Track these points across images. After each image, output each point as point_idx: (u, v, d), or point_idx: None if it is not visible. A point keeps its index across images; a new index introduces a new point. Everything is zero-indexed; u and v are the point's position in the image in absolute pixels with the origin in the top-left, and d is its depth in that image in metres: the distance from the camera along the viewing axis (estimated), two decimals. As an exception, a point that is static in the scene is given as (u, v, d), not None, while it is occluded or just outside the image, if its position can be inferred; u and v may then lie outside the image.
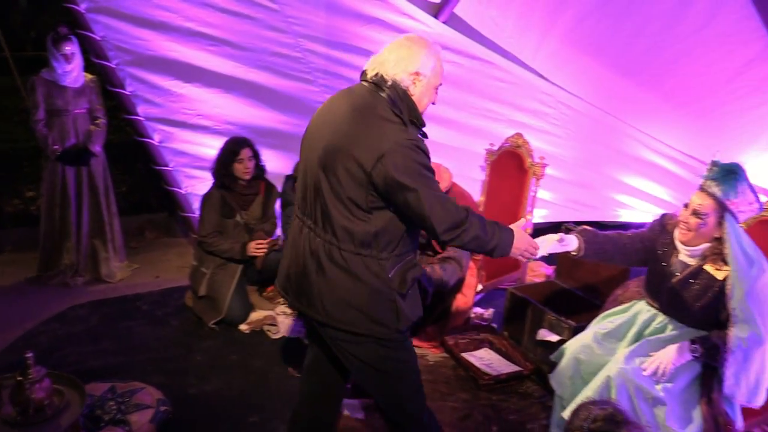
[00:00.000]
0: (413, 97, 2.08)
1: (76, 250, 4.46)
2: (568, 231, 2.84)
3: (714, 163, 2.44)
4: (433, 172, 2.03)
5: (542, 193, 5.16)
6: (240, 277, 3.96)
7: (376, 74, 2.07)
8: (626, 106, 4.78)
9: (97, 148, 4.36)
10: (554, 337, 3.33)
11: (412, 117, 2.06)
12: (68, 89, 4.26)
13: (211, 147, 4.60)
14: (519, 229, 2.23)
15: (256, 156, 4.02)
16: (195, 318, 3.99)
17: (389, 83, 2.05)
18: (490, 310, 4.22)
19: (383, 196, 2.00)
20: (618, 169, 5.21)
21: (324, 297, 2.11)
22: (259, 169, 4.08)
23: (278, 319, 3.99)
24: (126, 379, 3.17)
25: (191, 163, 4.66)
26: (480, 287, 3.80)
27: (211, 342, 3.76)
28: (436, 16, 4.42)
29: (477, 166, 4.46)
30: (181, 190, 4.73)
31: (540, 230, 5.03)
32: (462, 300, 3.74)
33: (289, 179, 4.04)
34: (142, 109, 4.45)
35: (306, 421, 2.54)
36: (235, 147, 3.93)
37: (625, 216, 5.48)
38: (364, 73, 2.14)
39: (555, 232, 2.65)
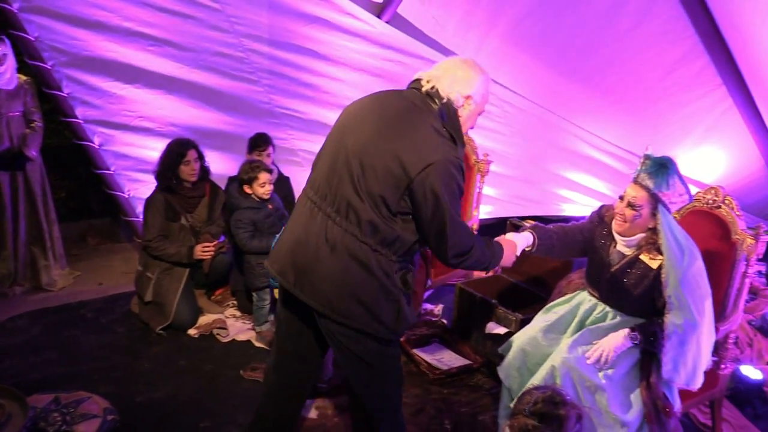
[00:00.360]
0: (460, 119, 2.14)
1: (14, 259, 4.29)
2: (516, 227, 2.93)
3: (647, 157, 2.55)
4: (462, 195, 2.13)
5: (487, 190, 5.27)
6: (187, 281, 3.89)
7: (432, 87, 2.11)
8: (566, 103, 4.92)
9: (32, 152, 4.19)
10: (502, 330, 3.41)
11: (456, 137, 2.11)
12: (1, 91, 4.10)
13: (154, 149, 4.52)
14: (506, 241, 2.51)
15: (201, 158, 3.96)
16: (142, 324, 3.91)
17: (444, 100, 2.10)
18: (440, 306, 4.28)
19: (415, 205, 2.03)
20: (560, 165, 5.36)
21: (332, 287, 2.10)
22: (204, 171, 4.02)
23: (227, 322, 3.96)
24: (71, 390, 3.07)
25: (134, 166, 4.57)
26: (429, 283, 3.84)
27: (159, 348, 3.69)
28: (379, 15, 4.46)
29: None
30: (123, 194, 4.63)
31: (486, 227, 5.15)
32: (413, 296, 3.76)
33: (234, 181, 3.99)
34: (80, 112, 4.34)
35: (270, 420, 2.52)
36: (181, 149, 3.86)
37: (568, 210, 5.64)
38: (417, 81, 2.17)
39: (501, 227, 2.75)
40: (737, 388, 3.42)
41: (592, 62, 4.50)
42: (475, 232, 4.14)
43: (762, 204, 5.70)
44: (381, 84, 4.68)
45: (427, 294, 4.52)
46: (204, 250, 3.86)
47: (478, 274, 4.41)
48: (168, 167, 3.85)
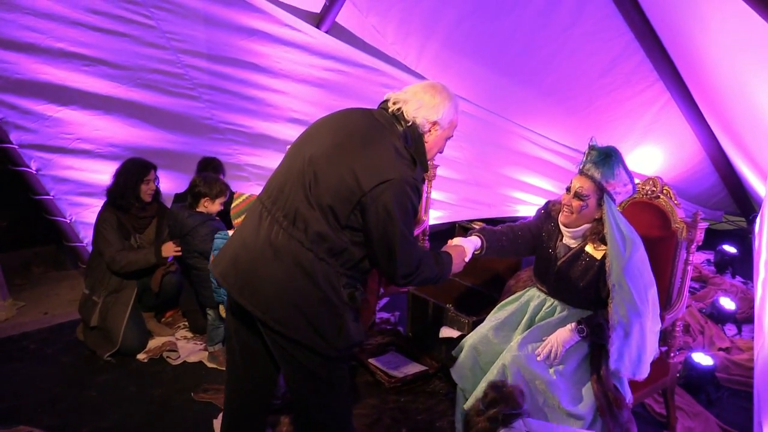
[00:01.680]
0: (426, 144, 2.14)
1: (-49, 293, 4.13)
2: (464, 230, 2.92)
3: (592, 147, 2.57)
4: (416, 216, 2.11)
5: (438, 195, 5.28)
6: (134, 304, 3.78)
7: (399, 109, 2.11)
8: (511, 105, 4.97)
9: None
10: (455, 333, 3.38)
11: (420, 160, 2.10)
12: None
13: (94, 172, 4.41)
14: (453, 247, 2.52)
15: (157, 178, 3.92)
16: (88, 352, 3.77)
17: (409, 123, 2.10)
18: (396, 314, 4.25)
19: (366, 221, 2.00)
20: (509, 167, 5.40)
21: (273, 293, 2.04)
22: (157, 192, 3.95)
23: (178, 344, 3.85)
24: (12, 425, 2.96)
25: (74, 189, 4.43)
26: (381, 291, 3.81)
27: (107, 376, 3.56)
28: (318, 25, 4.43)
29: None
30: (65, 219, 4.48)
31: (438, 232, 5.15)
32: (365, 306, 3.71)
33: (181, 199, 3.91)
34: (15, 136, 4.19)
35: None
36: (144, 168, 3.81)
37: (522, 211, 5.68)
38: (385, 102, 2.17)
39: (451, 231, 2.74)
40: (690, 376, 3.46)
41: (533, 63, 4.56)
42: (426, 237, 4.15)
43: (707, 194, 5.84)
44: (324, 94, 4.65)
45: (382, 302, 4.49)
46: (176, 249, 3.77)
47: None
48: (128, 186, 3.77)
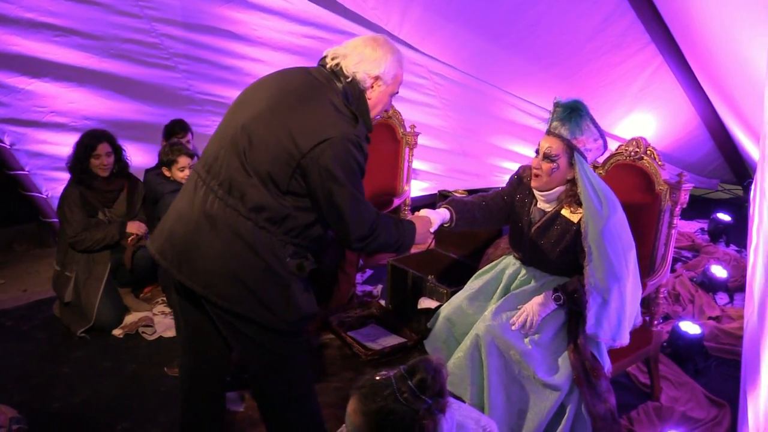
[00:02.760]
0: (369, 101, 2.02)
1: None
2: (444, 197, 2.80)
3: (557, 104, 2.46)
4: (364, 175, 1.98)
5: (423, 165, 5.16)
6: (108, 279, 3.70)
7: (337, 65, 1.99)
8: (498, 71, 4.83)
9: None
10: (434, 304, 3.30)
11: (363, 118, 1.98)
12: None
13: (69, 146, 4.24)
14: (418, 218, 2.39)
15: (117, 151, 3.76)
16: (64, 328, 3.70)
17: (349, 78, 1.98)
18: (379, 287, 4.17)
19: (308, 184, 1.89)
20: (496, 135, 5.27)
21: (212, 267, 1.94)
22: (122, 165, 3.81)
23: (155, 319, 3.77)
24: (-19, 402, 2.89)
25: (49, 164, 4.34)
26: (361, 263, 3.71)
27: (81, 352, 3.49)
28: (295, -10, 4.29)
29: (354, 143, 4.37)
30: (42, 195, 4.40)
31: (425, 204, 5.03)
32: (344, 278, 3.64)
33: (150, 171, 3.82)
34: (-14, 111, 4.10)
35: (192, 425, 2.37)
36: (92, 141, 3.66)
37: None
38: (323, 58, 2.04)
39: (432, 201, 2.61)
40: (677, 345, 3.37)
41: (519, 26, 4.40)
42: (408, 208, 4.04)
43: (703, 162, 5.71)
44: (304, 63, 4.46)
45: (366, 275, 4.41)
46: (140, 227, 3.71)
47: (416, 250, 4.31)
48: (78, 160, 3.66)
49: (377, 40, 2.05)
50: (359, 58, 1.98)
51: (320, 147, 1.85)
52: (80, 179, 3.69)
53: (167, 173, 3.69)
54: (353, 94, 1.99)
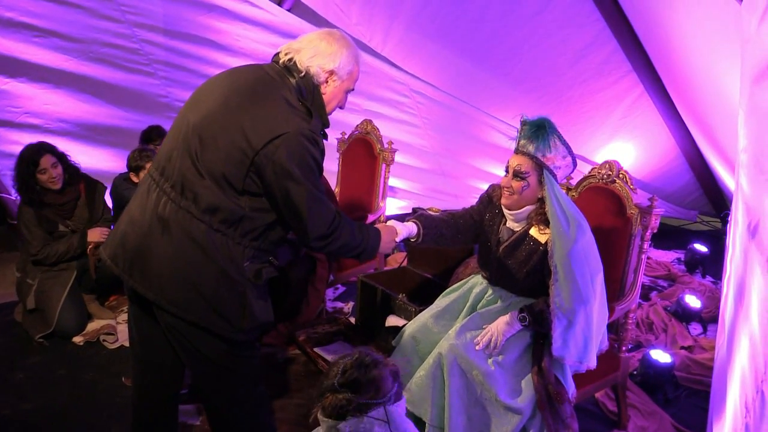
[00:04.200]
0: (324, 96, 1.96)
1: None
2: (414, 212, 2.75)
3: (524, 122, 2.44)
4: (322, 172, 1.92)
5: (403, 183, 5.13)
6: (73, 285, 3.61)
7: (290, 59, 1.92)
8: (479, 93, 4.83)
9: None
10: (401, 322, 3.23)
11: (319, 113, 1.93)
12: None
13: (42, 147, 4.23)
14: (384, 226, 2.31)
15: (62, 159, 3.57)
16: (24, 334, 3.60)
17: (302, 73, 1.91)
18: (350, 304, 4.11)
19: (264, 183, 1.83)
20: (476, 156, 5.25)
21: (164, 272, 1.86)
22: (71, 172, 3.63)
23: (118, 327, 3.68)
24: (-73, 407, 2.79)
25: (21, 166, 4.25)
26: (331, 278, 3.65)
27: (38, 358, 3.39)
28: (280, 3, 4.28)
29: (333, 158, 4.33)
30: (11, 197, 4.31)
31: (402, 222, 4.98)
32: (314, 293, 3.58)
33: (119, 177, 3.76)
34: (-42, 109, 4.03)
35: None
36: (33, 156, 3.46)
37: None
38: (276, 55, 1.98)
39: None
40: (647, 374, 3.32)
41: (501, 49, 4.41)
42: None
43: (682, 192, 5.72)
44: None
45: (338, 292, 4.35)
46: (102, 233, 3.60)
47: (389, 266, 4.26)
48: (22, 179, 3.47)
49: (333, 35, 2.00)
50: (313, 52, 1.93)
51: (274, 143, 1.79)
52: (30, 199, 3.51)
53: (135, 179, 3.63)
54: (307, 89, 1.93)
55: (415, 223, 2.55)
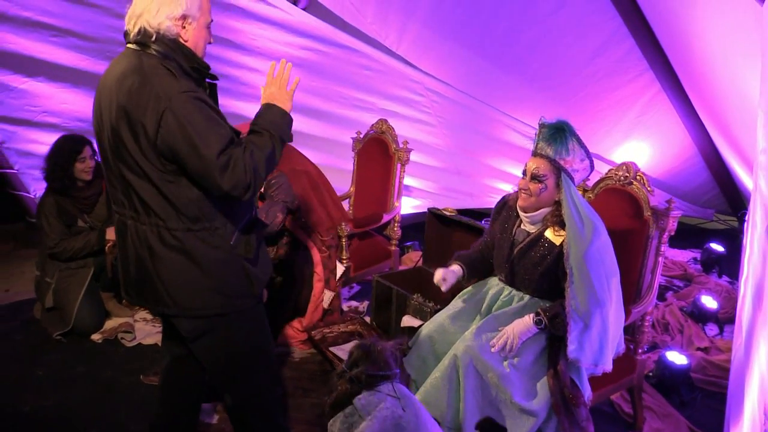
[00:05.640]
0: (188, 44, 1.88)
1: None
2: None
3: (542, 125, 2.44)
4: (217, 122, 1.80)
5: (418, 182, 5.13)
6: (90, 283, 3.65)
7: (139, 30, 1.83)
8: (493, 90, 4.81)
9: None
10: (417, 323, 3.23)
11: (193, 64, 1.87)
12: None
13: (59, 146, 4.27)
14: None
15: (95, 153, 3.68)
16: (43, 331, 3.65)
17: (154, 37, 1.83)
18: (365, 303, 4.11)
19: (172, 161, 1.80)
20: (491, 155, 5.24)
21: (168, 285, 1.92)
22: (99, 168, 3.70)
23: (136, 325, 3.72)
24: (-49, 403, 2.84)
25: (39, 164, 4.18)
26: (341, 270, 3.64)
27: (57, 355, 3.44)
28: (295, 2, 4.28)
29: (348, 157, 4.35)
30: (29, 195, 4.36)
31: (417, 223, 5.00)
32: (319, 288, 3.57)
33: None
34: (-22, 108, 4.08)
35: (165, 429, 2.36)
36: (76, 145, 3.58)
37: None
38: (126, 34, 1.90)
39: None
40: (663, 375, 3.31)
41: (517, 47, 4.39)
42: (398, 225, 4.01)
43: (698, 191, 5.67)
44: (301, 75, 4.42)
45: (353, 290, 4.36)
46: None
47: (404, 266, 4.26)
48: (60, 166, 3.55)
49: None
50: (156, 6, 1.81)
51: (162, 124, 1.75)
52: (62, 186, 3.59)
53: None
54: (170, 48, 1.84)
55: (459, 264, 2.70)
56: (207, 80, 1.94)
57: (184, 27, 1.87)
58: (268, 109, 1.94)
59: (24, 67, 4.07)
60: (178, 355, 2.29)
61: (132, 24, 1.85)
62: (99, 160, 3.68)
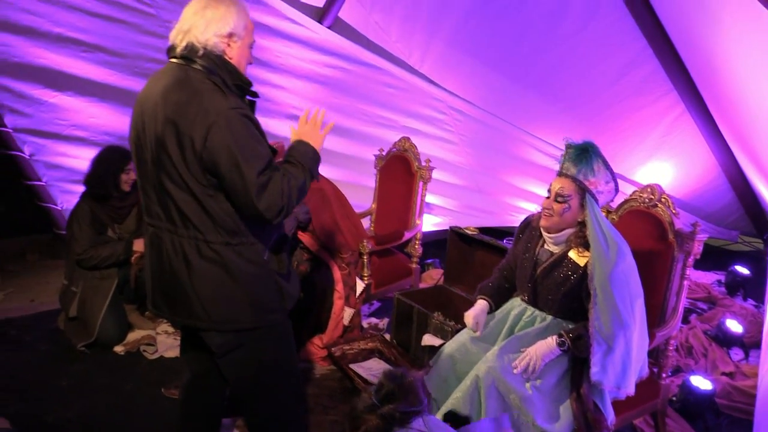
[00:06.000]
0: (232, 61, 1.93)
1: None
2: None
3: (568, 145, 2.45)
4: (264, 136, 1.91)
5: (439, 200, 5.13)
6: (114, 295, 3.69)
7: (186, 45, 1.89)
8: (516, 109, 4.81)
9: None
10: (438, 342, 3.23)
11: (236, 81, 1.92)
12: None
13: (86, 159, 4.30)
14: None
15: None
16: (67, 341, 3.69)
17: (201, 52, 1.88)
18: (385, 320, 4.11)
19: (213, 175, 1.85)
20: (513, 174, 5.23)
21: (203, 298, 1.94)
22: (136, 182, 3.85)
23: (158, 338, 3.75)
24: (-25, 411, 2.88)
25: (66, 176, 4.40)
26: (361, 287, 3.64)
27: (80, 366, 3.47)
28: (320, 20, 4.32)
29: (371, 174, 4.37)
30: (56, 207, 4.44)
31: (440, 240, 4.99)
32: (340, 305, 3.58)
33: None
34: (9, 120, 4.18)
35: None
36: (125, 157, 3.70)
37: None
38: (171, 48, 1.95)
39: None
40: (687, 400, 3.25)
41: (539, 67, 4.40)
42: (419, 242, 4.01)
43: (723, 212, 5.61)
44: (325, 92, 4.55)
45: (373, 307, 4.36)
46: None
47: (424, 284, 4.25)
48: (109, 173, 3.67)
49: None
50: (204, 23, 1.87)
51: (210, 138, 1.79)
52: (104, 193, 3.69)
53: None
54: (216, 63, 1.89)
55: (482, 298, 2.73)
56: (248, 97, 2.00)
57: (230, 45, 1.93)
58: (300, 144, 2.03)
59: (54, 82, 4.16)
60: (199, 371, 2.31)
61: (179, 39, 1.91)
62: None
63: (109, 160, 3.69)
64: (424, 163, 3.95)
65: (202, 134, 1.80)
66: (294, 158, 1.99)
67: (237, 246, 1.93)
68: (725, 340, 3.98)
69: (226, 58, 1.92)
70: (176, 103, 1.83)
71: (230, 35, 1.91)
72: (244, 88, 1.96)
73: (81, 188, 4.10)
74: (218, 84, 1.86)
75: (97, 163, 3.70)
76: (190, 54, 1.89)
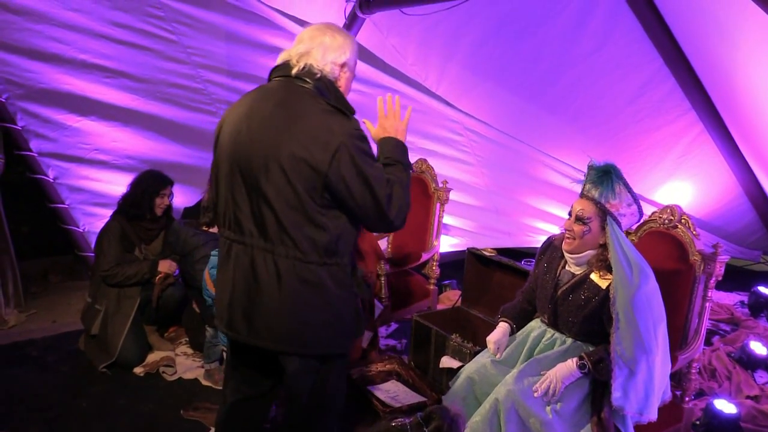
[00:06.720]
0: (341, 89, 2.00)
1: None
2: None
3: (590, 167, 2.44)
4: (375, 158, 1.95)
5: (456, 221, 5.13)
6: (135, 316, 3.73)
7: (304, 66, 1.94)
8: (533, 130, 4.82)
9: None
10: (456, 364, 3.21)
11: (339, 105, 1.93)
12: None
13: (109, 182, 4.43)
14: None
15: (172, 195, 3.95)
16: (88, 362, 3.73)
17: (318, 75, 1.93)
18: (403, 341, 4.10)
19: (341, 196, 1.87)
20: (530, 195, 5.22)
21: (292, 321, 1.94)
22: (170, 207, 3.97)
23: (177, 360, 3.77)
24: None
25: (89, 199, 4.47)
26: (379, 309, 3.64)
27: (100, 387, 3.50)
28: (338, 44, 4.38)
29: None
30: (79, 229, 4.50)
31: (455, 260, 4.98)
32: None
33: (188, 215, 3.90)
34: (34, 144, 4.27)
35: None
36: (164, 182, 3.84)
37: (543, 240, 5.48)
38: (283, 67, 1.98)
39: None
40: (711, 424, 3.19)
41: (557, 87, 4.41)
42: (436, 263, 4.01)
43: (744, 232, 5.54)
44: (343, 113, 4.58)
45: (391, 329, 4.35)
46: (171, 266, 3.78)
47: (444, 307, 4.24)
48: (147, 193, 3.78)
49: (330, 27, 2.01)
50: (322, 50, 1.95)
51: (336, 158, 1.82)
52: (137, 213, 3.79)
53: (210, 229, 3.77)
54: (328, 88, 1.94)
55: (503, 321, 2.73)
56: None
57: (341, 73, 2.00)
58: (387, 143, 2.04)
59: (78, 107, 4.26)
60: (249, 394, 2.26)
61: (296, 59, 1.95)
62: (171, 202, 3.89)
63: (149, 182, 3.82)
64: (441, 185, 3.96)
65: (329, 154, 1.82)
66: (389, 158, 2.00)
67: (332, 267, 1.93)
68: (749, 362, 3.92)
69: (337, 85, 1.99)
70: (293, 118, 1.87)
71: (344, 65, 2.00)
72: (347, 114, 1.98)
73: (103, 211, 4.19)
74: (334, 105, 1.91)
75: (136, 185, 3.82)
76: (306, 75, 1.94)
